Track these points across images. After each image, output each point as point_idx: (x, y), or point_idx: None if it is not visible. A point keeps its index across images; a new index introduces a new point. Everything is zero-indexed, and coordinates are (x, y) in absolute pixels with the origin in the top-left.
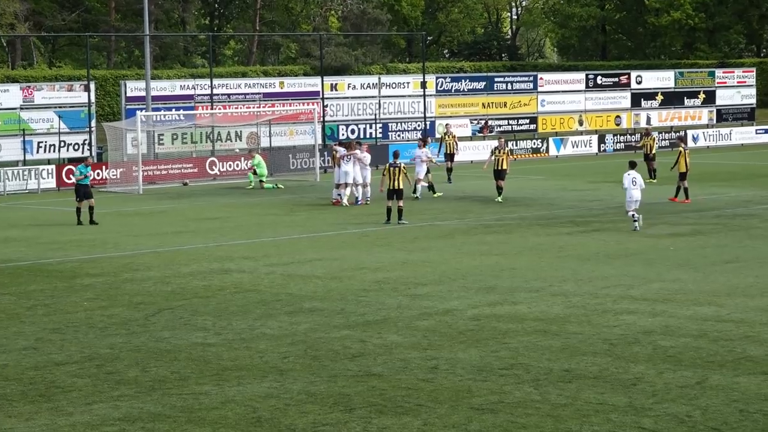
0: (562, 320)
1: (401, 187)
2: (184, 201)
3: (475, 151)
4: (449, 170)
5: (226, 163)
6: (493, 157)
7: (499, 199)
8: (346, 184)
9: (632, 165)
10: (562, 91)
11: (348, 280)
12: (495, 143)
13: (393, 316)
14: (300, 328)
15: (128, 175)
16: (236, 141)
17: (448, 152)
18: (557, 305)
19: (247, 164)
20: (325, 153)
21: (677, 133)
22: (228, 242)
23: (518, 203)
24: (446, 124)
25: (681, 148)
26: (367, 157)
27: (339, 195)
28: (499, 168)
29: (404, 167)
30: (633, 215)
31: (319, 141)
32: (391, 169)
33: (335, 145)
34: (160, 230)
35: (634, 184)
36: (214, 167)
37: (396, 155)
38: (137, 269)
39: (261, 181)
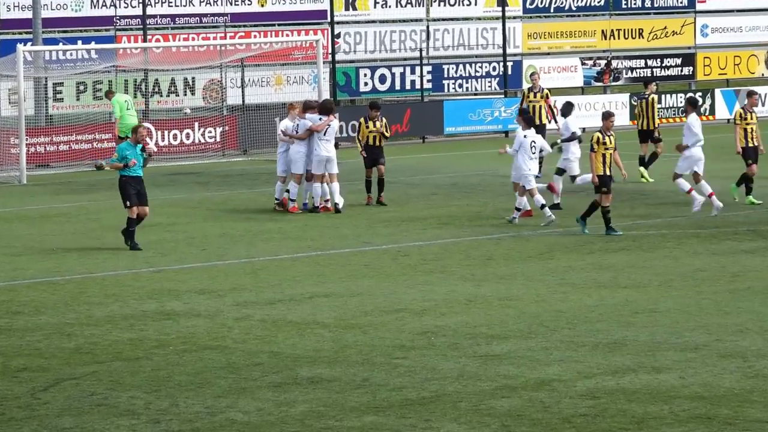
0: (740, 399)
1: None
2: (98, 196)
3: (589, 114)
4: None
5: (168, 133)
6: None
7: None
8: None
9: None
10: (738, 11)
11: (374, 331)
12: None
13: (451, 391)
14: (293, 411)
15: (1, 152)
16: (186, 95)
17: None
18: (730, 374)
19: (203, 134)
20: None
21: None
22: (173, 266)
23: (662, 199)
24: (531, 74)
25: None
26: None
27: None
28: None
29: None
30: None
31: (327, 95)
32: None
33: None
34: (57, 245)
35: None
36: (148, 138)
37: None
38: (19, 312)
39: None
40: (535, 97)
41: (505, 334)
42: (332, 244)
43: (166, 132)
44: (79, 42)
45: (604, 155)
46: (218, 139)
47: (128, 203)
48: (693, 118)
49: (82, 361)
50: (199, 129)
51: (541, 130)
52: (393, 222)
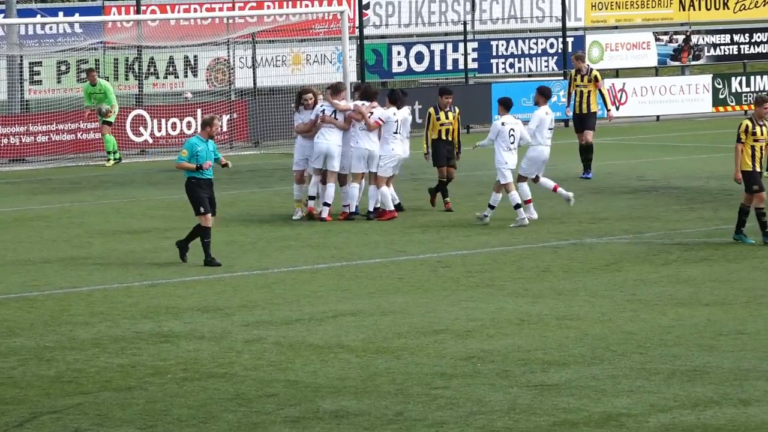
0: None
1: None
2: (83, 196)
3: (665, 98)
4: (585, 149)
5: (166, 122)
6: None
7: None
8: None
9: None
10: None
11: (410, 355)
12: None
13: (500, 427)
14: None
15: None
16: (187, 77)
17: (581, 109)
18: None
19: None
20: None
21: None
22: (171, 279)
23: None
24: (576, 56)
25: None
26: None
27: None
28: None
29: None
30: None
31: (353, 77)
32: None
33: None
34: (35, 254)
35: None
36: (142, 128)
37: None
38: None
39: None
40: (582, 81)
41: (565, 359)
42: (360, 253)
43: (163, 120)
44: (61, 14)
45: (753, 147)
46: (225, 129)
47: (202, 209)
48: (541, 111)
49: (64, 392)
50: (202, 117)
51: (590, 119)
52: (432, 227)
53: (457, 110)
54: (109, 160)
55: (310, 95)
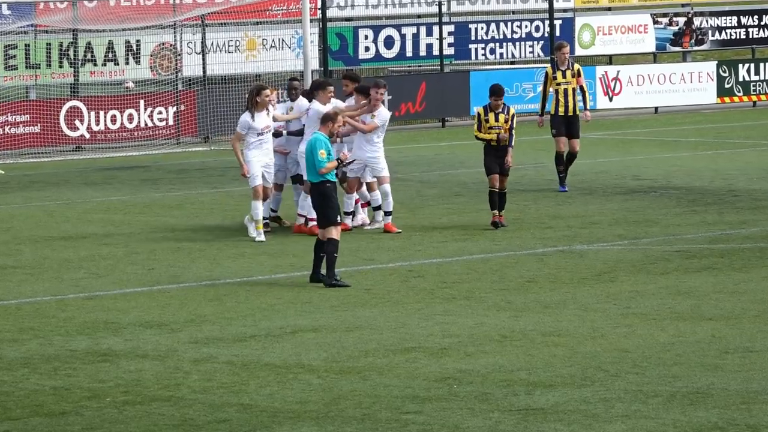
0: None
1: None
2: (10, 198)
3: (663, 88)
4: (569, 158)
5: (104, 114)
6: None
7: None
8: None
9: None
10: None
11: (378, 376)
12: None
13: None
14: None
15: None
16: (128, 64)
17: (566, 111)
18: None
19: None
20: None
21: None
22: (110, 290)
23: (760, 201)
24: (559, 47)
25: None
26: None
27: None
28: None
29: (514, 114)
30: None
31: (314, 64)
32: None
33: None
34: None
35: None
36: (78, 122)
37: (497, 94)
38: None
39: None
40: (564, 77)
41: (552, 381)
42: None
43: (101, 113)
44: None
45: None
46: (171, 123)
47: (339, 218)
48: (316, 104)
49: None
50: (145, 109)
51: (577, 122)
52: (403, 232)
53: (512, 110)
54: None
55: (268, 92)
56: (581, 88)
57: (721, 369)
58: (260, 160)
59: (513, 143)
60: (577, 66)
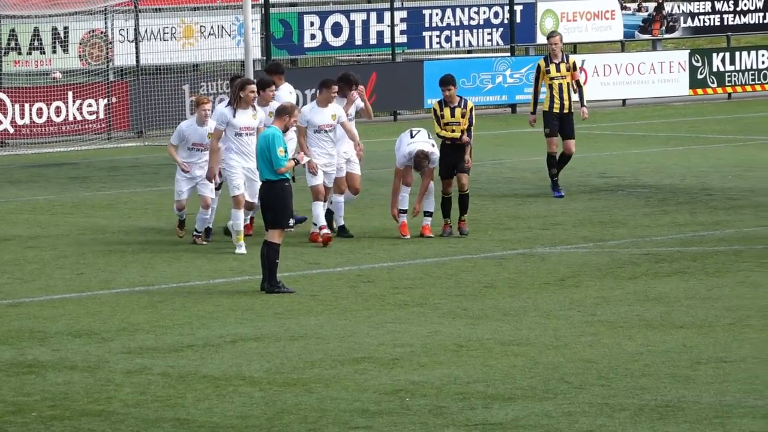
0: None
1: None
2: None
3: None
4: (562, 159)
5: (30, 107)
6: None
7: None
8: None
9: None
10: None
11: (324, 388)
12: None
13: None
14: None
15: None
16: (56, 53)
17: (561, 108)
18: None
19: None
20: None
21: None
22: (36, 297)
23: (734, 201)
24: (551, 35)
25: None
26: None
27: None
28: None
29: (472, 107)
30: None
31: (256, 53)
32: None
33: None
34: None
35: None
36: (1, 115)
37: (447, 84)
38: None
39: None
40: (558, 71)
41: (511, 393)
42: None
43: (26, 105)
44: None
45: None
46: (102, 116)
47: (291, 222)
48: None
49: None
50: (74, 101)
51: (572, 121)
52: (354, 236)
53: (469, 103)
54: None
55: (253, 87)
56: (577, 82)
57: (692, 381)
58: (243, 166)
59: (471, 140)
60: (572, 59)
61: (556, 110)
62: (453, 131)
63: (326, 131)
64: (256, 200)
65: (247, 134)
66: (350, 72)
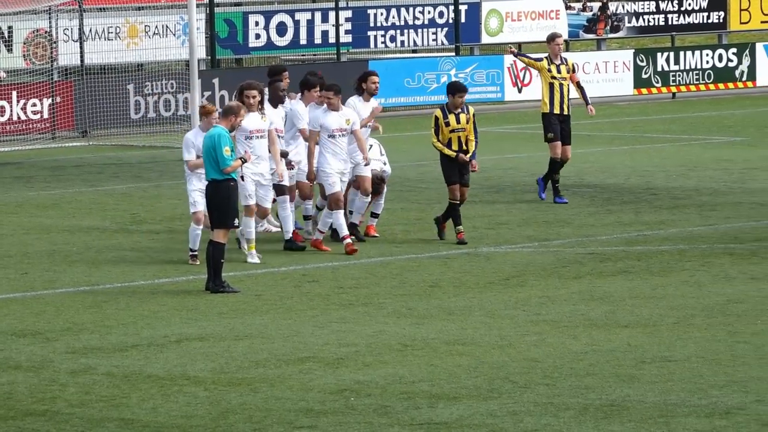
0: None
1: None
2: None
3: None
4: (560, 164)
5: None
6: None
7: None
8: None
9: None
10: None
11: (269, 388)
12: None
13: None
14: None
15: None
16: (0, 53)
17: (561, 110)
18: None
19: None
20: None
21: None
22: None
23: (679, 200)
24: (552, 38)
25: None
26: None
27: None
28: None
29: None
30: None
31: (201, 53)
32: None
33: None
34: None
35: None
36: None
37: (461, 91)
38: None
39: None
40: (559, 72)
41: (456, 392)
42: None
43: None
44: None
45: None
46: (46, 116)
47: (236, 222)
48: (298, 105)
49: None
50: (18, 101)
51: (569, 124)
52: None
53: (472, 110)
54: None
55: (256, 92)
56: (577, 84)
57: (637, 380)
58: (253, 171)
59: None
60: (571, 61)
61: (556, 112)
62: (459, 138)
63: (340, 136)
64: (269, 205)
65: (257, 137)
66: (309, 74)
